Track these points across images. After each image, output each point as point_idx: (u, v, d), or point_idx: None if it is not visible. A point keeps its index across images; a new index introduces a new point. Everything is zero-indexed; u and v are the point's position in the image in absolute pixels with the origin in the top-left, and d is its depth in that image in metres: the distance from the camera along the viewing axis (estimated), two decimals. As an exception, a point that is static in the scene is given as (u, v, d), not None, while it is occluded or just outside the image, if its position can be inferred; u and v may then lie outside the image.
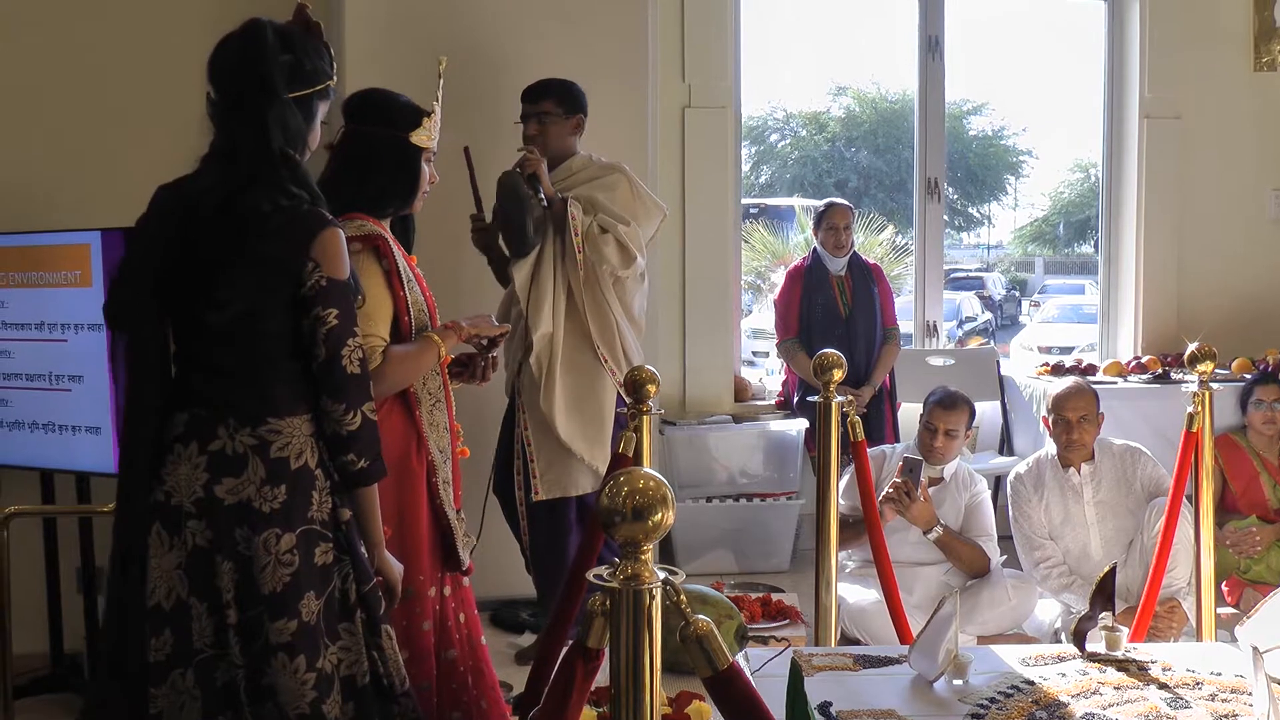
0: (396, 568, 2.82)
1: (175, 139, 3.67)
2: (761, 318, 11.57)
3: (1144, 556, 4.71)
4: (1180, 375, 6.11)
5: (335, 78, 2.83)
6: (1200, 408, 3.78)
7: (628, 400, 3.38)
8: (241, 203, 2.59)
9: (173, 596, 2.60)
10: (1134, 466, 4.95)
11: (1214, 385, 3.83)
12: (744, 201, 7.28)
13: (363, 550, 2.70)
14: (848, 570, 4.85)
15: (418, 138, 3.23)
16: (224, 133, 2.68)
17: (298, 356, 2.63)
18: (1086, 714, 2.60)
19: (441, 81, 3.40)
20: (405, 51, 5.09)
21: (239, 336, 2.61)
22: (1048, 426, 5.02)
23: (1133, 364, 6.47)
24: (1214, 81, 7.05)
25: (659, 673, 1.58)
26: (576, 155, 4.70)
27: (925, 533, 4.75)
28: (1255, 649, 2.54)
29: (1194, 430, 3.79)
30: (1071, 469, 4.94)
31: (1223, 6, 7.09)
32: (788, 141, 23.88)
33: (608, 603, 1.58)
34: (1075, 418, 4.88)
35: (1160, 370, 6.32)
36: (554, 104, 4.65)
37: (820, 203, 6.55)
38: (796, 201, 12.82)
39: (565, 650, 1.77)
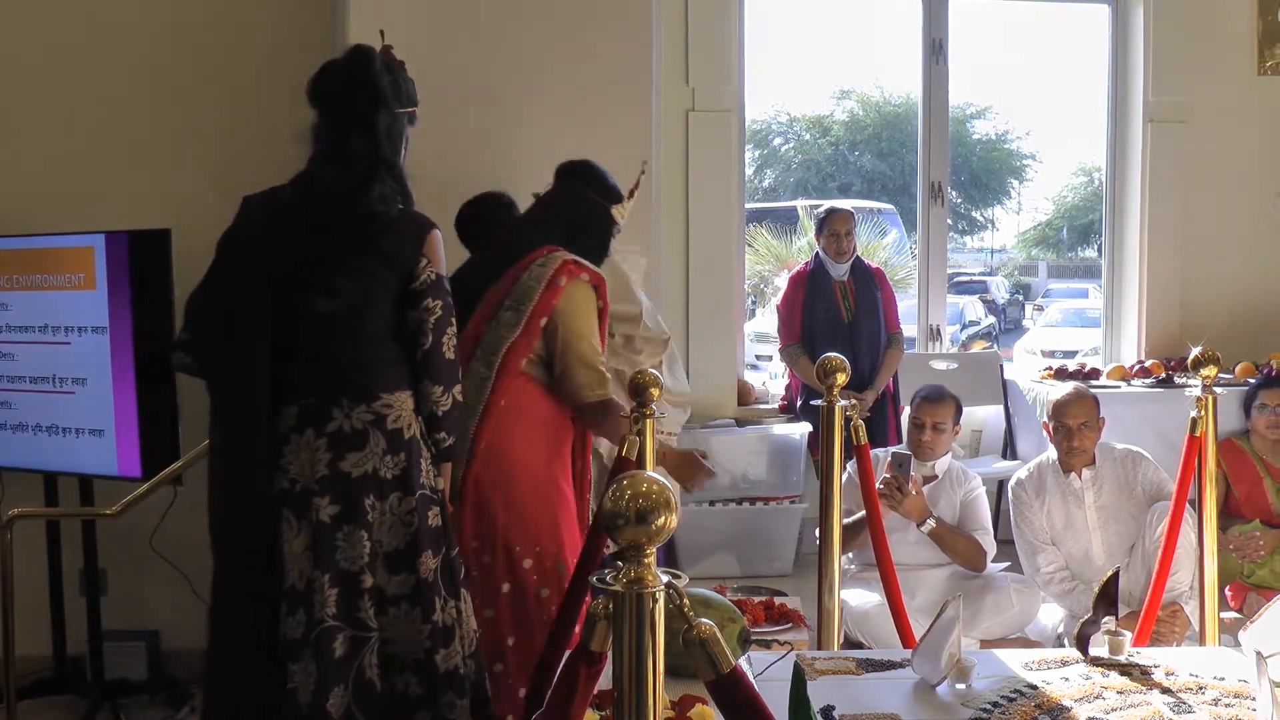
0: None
1: (180, 143, 3.71)
2: (765, 321, 11.57)
3: (1146, 561, 4.72)
4: (1184, 379, 6.10)
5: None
6: (1204, 412, 3.77)
7: (631, 403, 3.38)
8: (359, 203, 2.90)
9: (304, 578, 2.84)
10: (1135, 471, 4.96)
11: (1217, 389, 3.82)
12: (747, 205, 7.27)
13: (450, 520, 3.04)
14: (850, 573, 4.85)
15: (617, 212, 3.78)
16: (335, 141, 2.97)
17: (398, 341, 2.94)
18: (1089, 718, 2.60)
19: (641, 179, 3.97)
20: (406, 58, 5.09)
21: (349, 323, 2.89)
22: (1048, 432, 5.02)
23: (1136, 368, 6.47)
24: (1218, 85, 7.04)
25: (661, 676, 1.58)
26: None
27: (919, 525, 4.76)
28: (1259, 653, 2.54)
29: (1197, 434, 3.79)
30: (1073, 474, 4.95)
31: (1227, 10, 7.08)
32: (791, 145, 23.91)
33: (610, 606, 1.58)
34: (1076, 424, 4.89)
35: (1164, 374, 6.32)
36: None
37: (822, 207, 6.54)
38: (800, 204, 12.80)
39: (568, 654, 1.77)
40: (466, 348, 3.41)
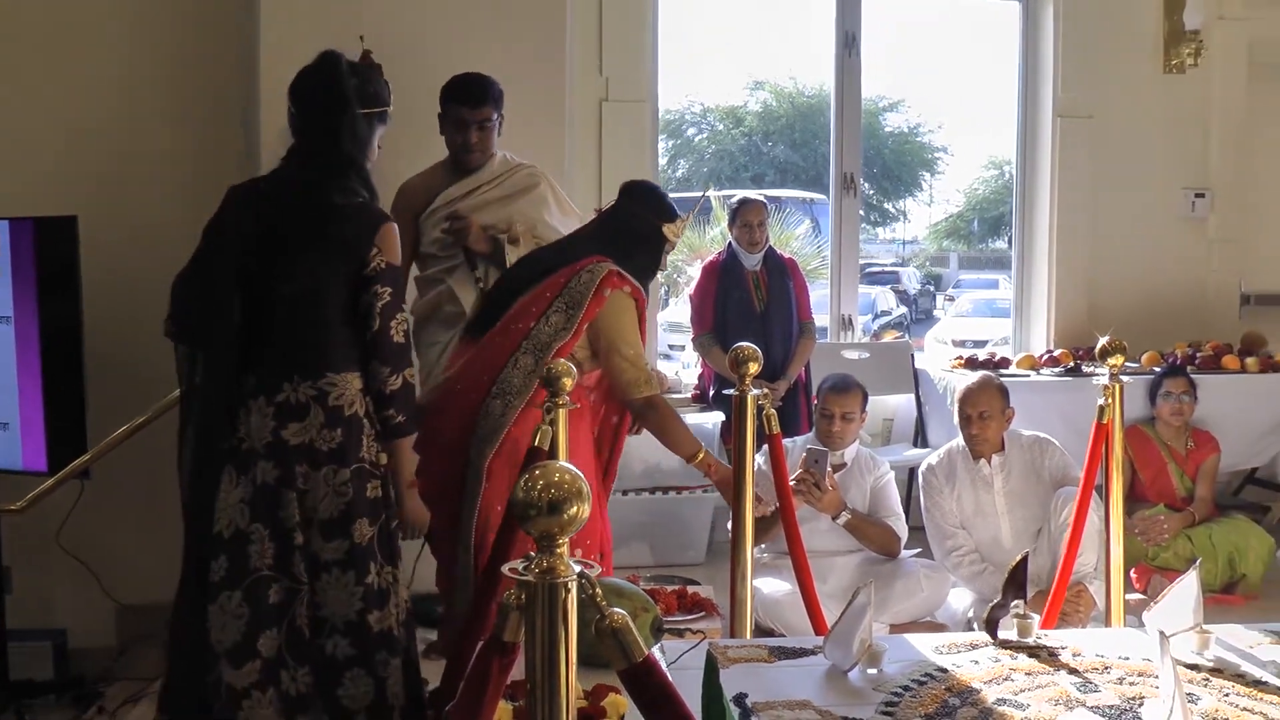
0: (423, 511, 3.38)
1: (87, 130, 3.65)
2: (677, 311, 11.58)
3: (1052, 544, 4.81)
4: (1091, 368, 6.20)
5: (393, 106, 3.42)
6: (1111, 400, 3.83)
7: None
8: (318, 194, 3.17)
9: (232, 527, 3.11)
10: (1042, 457, 5.05)
11: (1124, 378, 3.88)
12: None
13: (393, 493, 3.24)
14: (762, 562, 4.87)
15: (669, 230, 4.06)
16: (303, 139, 3.26)
17: (350, 325, 3.16)
18: (998, 699, 2.63)
19: (699, 209, 4.22)
20: (320, 42, 5.02)
21: (305, 306, 3.13)
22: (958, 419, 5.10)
23: (1045, 357, 6.56)
24: (1126, 82, 7.17)
25: (575, 666, 1.58)
26: (494, 156, 4.60)
27: (834, 518, 4.80)
28: (1162, 633, 2.58)
29: (1104, 422, 3.85)
30: (982, 460, 5.02)
31: (1134, 10, 7.21)
32: (705, 135, 23.94)
33: (523, 597, 1.57)
34: (975, 413, 4.98)
35: (1072, 363, 6.41)
36: (494, 109, 4.51)
37: (735, 198, 6.56)
38: (713, 194, 12.82)
39: (481, 644, 1.76)
40: (513, 336, 3.81)
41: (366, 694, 3.10)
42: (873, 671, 2.78)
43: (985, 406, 4.98)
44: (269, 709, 3.05)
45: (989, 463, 5.03)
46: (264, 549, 3.10)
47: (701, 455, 3.99)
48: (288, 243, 3.17)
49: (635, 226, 4.06)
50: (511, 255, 4.36)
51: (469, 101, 4.48)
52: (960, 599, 4.98)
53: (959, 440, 5.12)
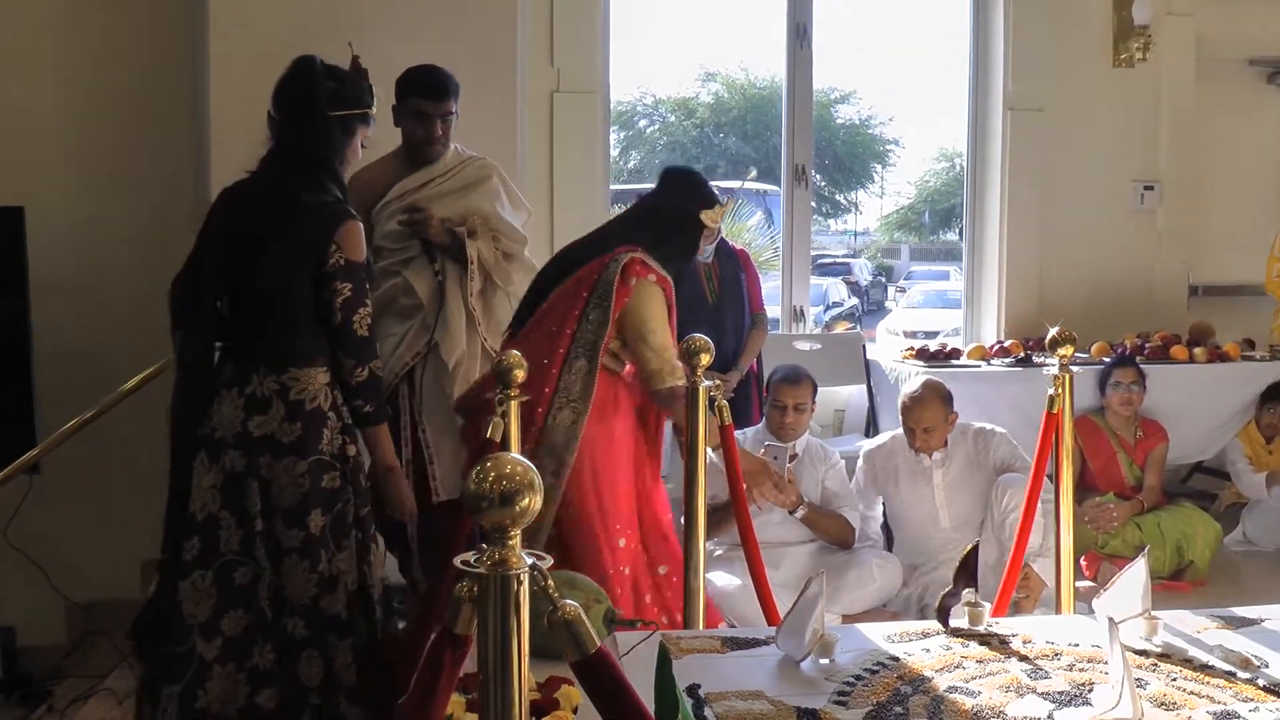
0: (407, 495, 3.63)
1: (34, 122, 3.64)
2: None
3: (995, 532, 4.87)
4: (1041, 359, 6.23)
5: (374, 107, 3.55)
6: (1060, 390, 3.85)
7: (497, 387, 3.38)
8: (287, 194, 3.30)
9: (205, 511, 3.29)
10: (986, 449, 5.12)
11: (1074, 368, 3.90)
12: (613, 187, 7.26)
13: (363, 481, 3.40)
14: (715, 555, 4.88)
15: (707, 217, 4.09)
16: (277, 141, 3.40)
17: (316, 320, 3.30)
18: (950, 687, 2.65)
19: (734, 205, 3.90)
20: (267, 35, 5.01)
21: (272, 301, 3.28)
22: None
23: (996, 348, 6.60)
24: (1075, 76, 7.23)
25: (527, 658, 1.57)
26: (447, 149, 4.57)
27: (791, 512, 4.82)
28: (1111, 620, 2.60)
29: (1054, 411, 3.87)
30: (922, 454, 5.08)
31: (1084, 4, 7.28)
32: (657, 127, 23.90)
33: (475, 589, 1.57)
34: (920, 429, 5.03)
35: (1022, 354, 6.45)
36: (454, 102, 4.47)
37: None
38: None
39: (433, 637, 1.76)
40: (561, 341, 3.85)
41: (318, 673, 3.27)
42: (825, 661, 2.79)
43: (929, 422, 5.05)
44: (228, 680, 3.26)
45: (929, 457, 5.08)
46: (231, 534, 3.28)
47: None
48: (258, 241, 3.31)
49: (670, 212, 4.10)
50: (470, 249, 4.35)
51: (432, 95, 4.45)
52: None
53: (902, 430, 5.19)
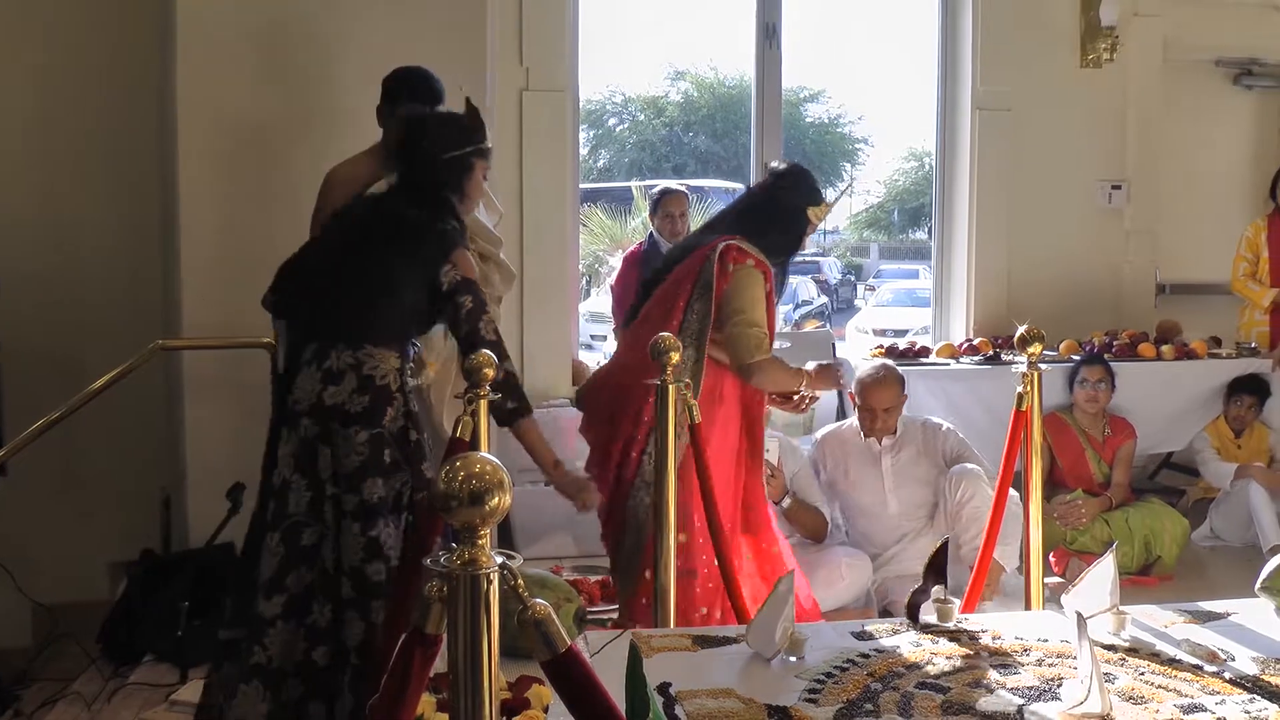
0: (583, 482, 3.90)
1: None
2: (599, 301, 11.58)
3: (949, 522, 4.93)
4: (1010, 357, 6.26)
5: (487, 143, 3.84)
6: (1029, 387, 3.87)
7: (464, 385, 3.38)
8: (410, 220, 3.63)
9: (279, 476, 3.55)
10: (934, 439, 5.19)
11: (1042, 366, 3.92)
12: (582, 185, 7.26)
13: (425, 469, 3.58)
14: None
15: (813, 213, 4.23)
16: (400, 176, 3.78)
17: (403, 317, 3.60)
18: (919, 683, 2.66)
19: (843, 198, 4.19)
20: (236, 27, 5.00)
21: (378, 302, 3.54)
22: (854, 401, 5.19)
23: (965, 346, 6.62)
24: (1043, 76, 7.26)
25: (497, 657, 1.57)
26: None
27: (777, 502, 4.86)
28: (1079, 615, 2.62)
29: (1023, 409, 3.89)
30: (872, 439, 5.14)
31: (1051, 5, 7.32)
32: (626, 125, 23.93)
33: (445, 589, 1.56)
34: (880, 409, 5.11)
35: (991, 352, 6.47)
36: (442, 108, 4.41)
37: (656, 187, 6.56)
38: (634, 185, 12.83)
39: (403, 637, 1.75)
40: (658, 320, 4.05)
41: (358, 634, 3.43)
42: (795, 659, 2.79)
43: (889, 403, 5.11)
44: (289, 635, 3.46)
45: (879, 442, 5.14)
46: (300, 497, 3.51)
47: (803, 380, 4.18)
48: (378, 253, 3.60)
49: (774, 206, 4.25)
50: None
51: (427, 100, 4.42)
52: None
53: (856, 417, 5.24)
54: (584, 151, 17.61)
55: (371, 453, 3.47)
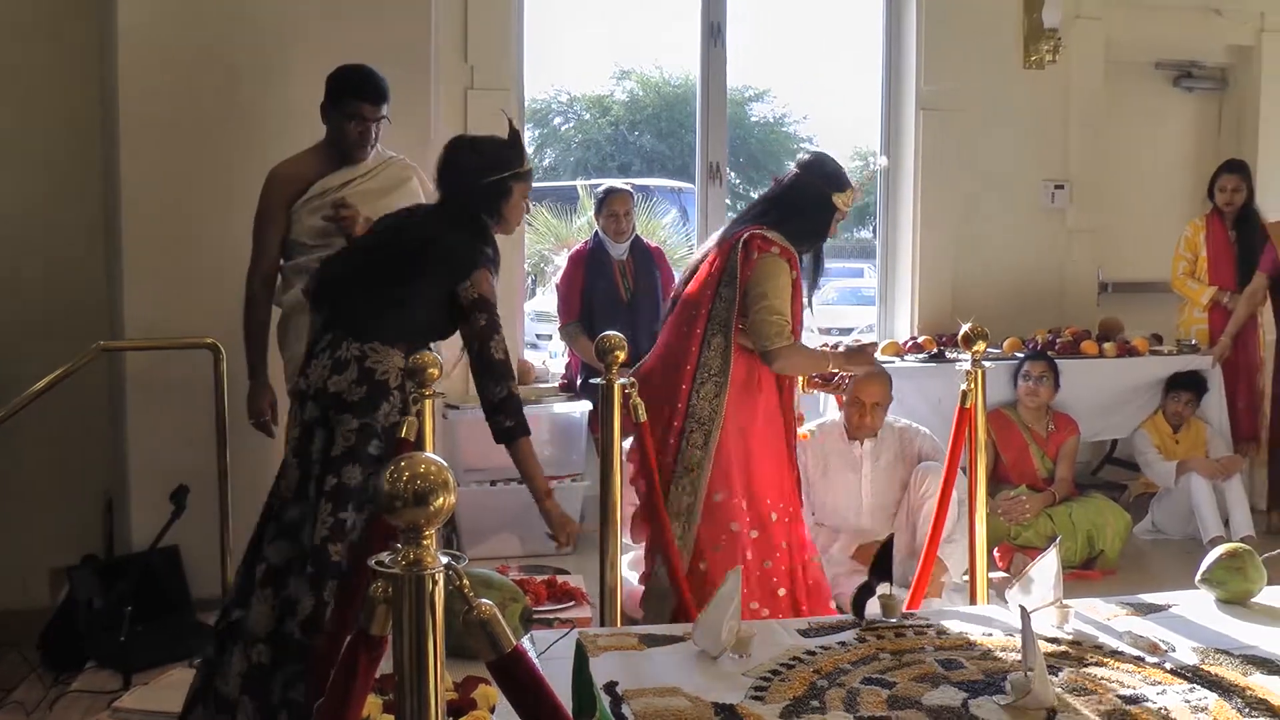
0: (568, 517, 3.80)
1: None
2: (545, 300, 11.55)
3: (911, 515, 4.97)
4: (954, 354, 6.30)
5: (524, 165, 3.91)
6: (973, 385, 3.90)
7: (409, 385, 3.38)
8: (438, 242, 3.76)
9: (285, 457, 3.76)
10: (912, 443, 5.20)
11: (986, 364, 3.96)
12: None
13: None
14: (632, 554, 4.89)
15: (839, 199, 4.31)
16: (441, 197, 3.91)
17: (415, 323, 3.72)
18: (865, 679, 2.67)
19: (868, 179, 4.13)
20: (179, 31, 4.96)
21: (385, 309, 3.68)
22: (839, 402, 5.19)
23: (909, 344, 6.65)
24: (987, 77, 7.31)
25: (442, 658, 1.56)
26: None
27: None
28: (1023, 609, 2.64)
29: (967, 406, 3.92)
30: (855, 442, 5.14)
31: (995, 6, 7.38)
32: (571, 124, 23.86)
33: (390, 589, 1.55)
34: (870, 403, 5.10)
35: (936, 350, 6.51)
36: (387, 107, 4.47)
37: (600, 186, 6.56)
38: (580, 184, 12.81)
39: (349, 639, 1.74)
40: (698, 322, 4.23)
41: (306, 609, 3.52)
42: (741, 657, 2.80)
43: (879, 397, 5.13)
44: (265, 605, 3.58)
45: (861, 445, 5.15)
46: (291, 476, 3.68)
47: (831, 362, 4.35)
48: (394, 263, 3.75)
49: (800, 194, 4.33)
50: None
51: (373, 99, 4.43)
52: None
53: (836, 416, 5.24)
54: (529, 150, 17.59)
55: (358, 440, 3.57)
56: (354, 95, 4.40)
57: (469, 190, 3.82)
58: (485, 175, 3.83)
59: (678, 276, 4.73)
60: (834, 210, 4.34)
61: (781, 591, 4.22)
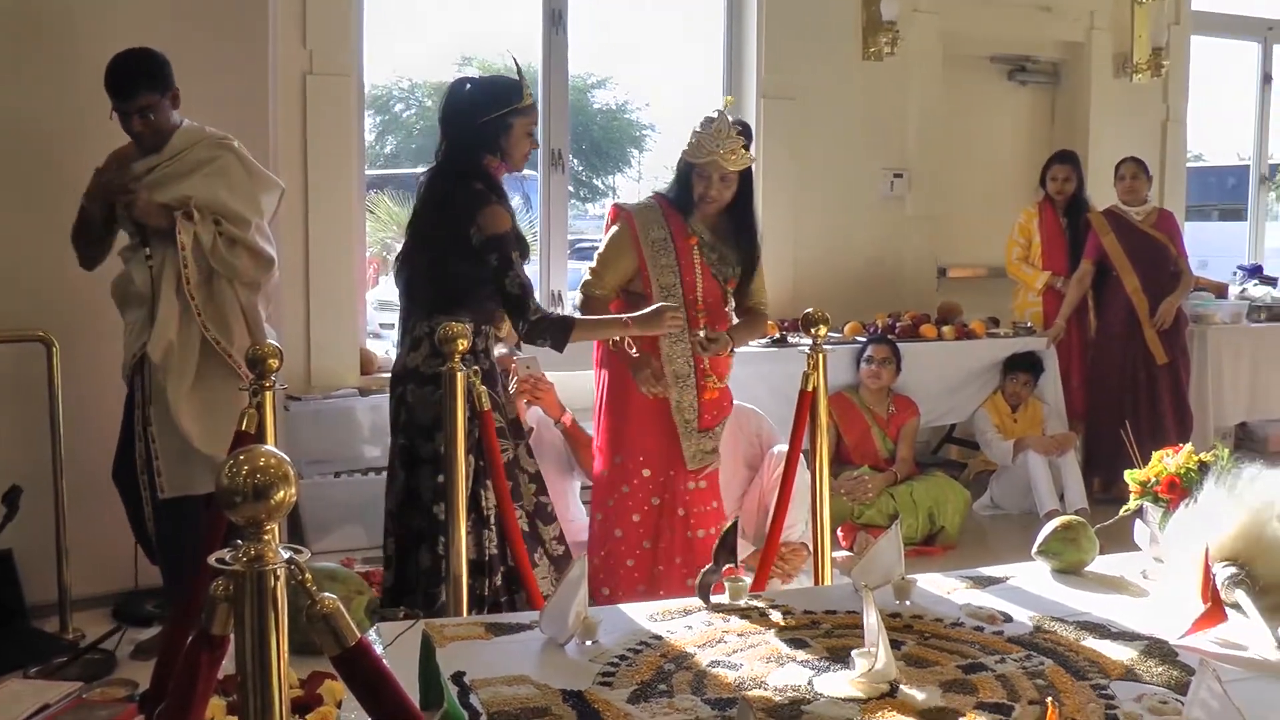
0: (653, 310, 4.33)
1: None
2: (387, 289, 11.41)
3: (763, 499, 5.03)
4: (796, 339, 6.38)
5: (525, 99, 4.09)
6: (814, 368, 3.95)
7: (249, 377, 3.31)
8: (438, 190, 4.08)
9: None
10: (750, 424, 5.24)
11: (827, 347, 4.01)
12: (369, 172, 7.15)
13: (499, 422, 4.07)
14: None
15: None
16: (446, 143, 4.14)
17: (460, 285, 4.01)
18: (712, 662, 2.68)
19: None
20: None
21: (434, 269, 4.03)
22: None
23: (752, 329, 6.70)
24: (827, 67, 7.42)
25: (286, 655, 1.53)
26: (179, 128, 4.40)
27: (556, 422, 4.91)
28: (866, 586, 2.69)
29: (809, 389, 3.97)
30: None
31: (835, -1, 7.46)
32: (413, 112, 23.62)
33: (231, 587, 1.52)
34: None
35: (778, 335, 6.57)
36: (151, 93, 4.27)
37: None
38: (421, 171, 12.66)
39: (189, 640, 1.70)
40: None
41: (427, 562, 3.96)
42: (589, 643, 2.80)
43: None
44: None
45: None
46: (393, 446, 4.15)
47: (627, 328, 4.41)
48: (423, 226, 4.10)
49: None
50: (186, 232, 4.21)
51: (119, 94, 4.27)
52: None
53: None
54: (370, 138, 17.36)
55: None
56: (108, 90, 4.28)
57: (468, 131, 4.02)
58: (484, 113, 4.02)
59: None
60: (691, 169, 4.65)
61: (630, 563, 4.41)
